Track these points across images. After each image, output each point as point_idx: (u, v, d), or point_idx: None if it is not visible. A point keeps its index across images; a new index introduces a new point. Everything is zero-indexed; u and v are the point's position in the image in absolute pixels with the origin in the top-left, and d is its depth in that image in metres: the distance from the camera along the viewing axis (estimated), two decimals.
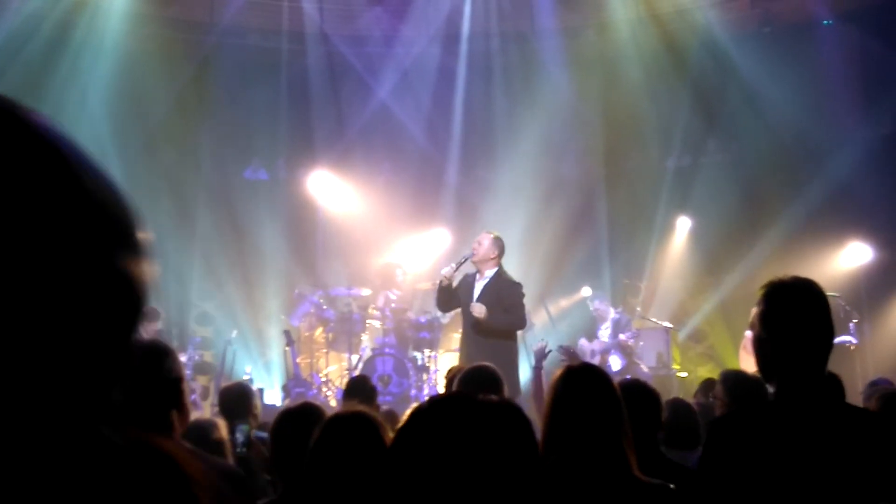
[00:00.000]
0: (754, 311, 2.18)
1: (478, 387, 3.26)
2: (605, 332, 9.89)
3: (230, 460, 3.22)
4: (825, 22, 10.73)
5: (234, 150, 11.05)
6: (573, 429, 2.26)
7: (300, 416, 2.84)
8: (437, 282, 6.77)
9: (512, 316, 6.41)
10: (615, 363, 9.74)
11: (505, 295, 6.46)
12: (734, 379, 4.04)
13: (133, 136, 10.39)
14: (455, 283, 6.71)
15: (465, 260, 6.68)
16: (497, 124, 11.31)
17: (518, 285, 6.59)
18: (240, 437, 3.65)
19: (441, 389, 6.61)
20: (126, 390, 2.09)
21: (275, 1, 10.61)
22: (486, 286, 6.53)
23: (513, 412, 1.27)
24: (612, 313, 9.84)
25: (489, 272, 6.56)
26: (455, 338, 10.30)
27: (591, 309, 10.07)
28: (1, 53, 9.51)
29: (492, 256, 6.58)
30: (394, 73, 11.04)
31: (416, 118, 11.10)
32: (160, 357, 2.15)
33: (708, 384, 5.65)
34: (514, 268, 10.74)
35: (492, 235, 6.68)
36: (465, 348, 6.56)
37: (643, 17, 10.80)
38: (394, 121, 11.04)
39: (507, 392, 3.27)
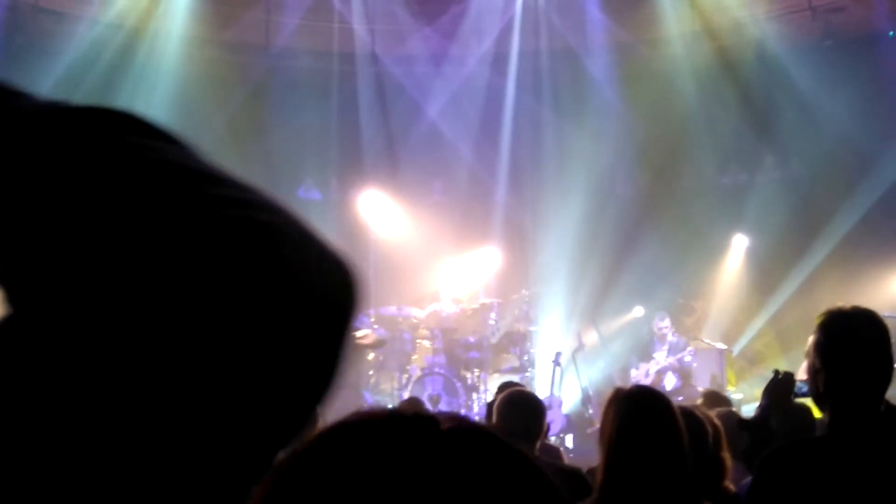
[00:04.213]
0: (810, 339, 2.13)
1: (520, 412, 3.21)
2: (661, 354, 9.75)
3: None
4: (890, 34, 10.38)
5: (287, 170, 11.24)
6: (636, 458, 2.21)
7: None
8: None
9: None
10: (669, 382, 9.59)
11: None
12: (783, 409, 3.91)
13: None
14: None
15: None
16: (546, 142, 11.26)
17: None
18: None
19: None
20: None
21: (326, 23, 10.76)
22: None
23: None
24: (670, 335, 9.70)
25: None
26: (505, 358, 10.27)
27: (654, 328, 9.91)
28: (67, 79, 9.87)
29: None
30: (443, 93, 11.09)
31: (466, 137, 11.12)
32: None
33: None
34: (564, 286, 10.77)
35: None
36: None
37: (698, 32, 10.61)
38: (443, 140, 11.07)
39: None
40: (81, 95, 9.94)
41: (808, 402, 3.28)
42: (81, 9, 10.06)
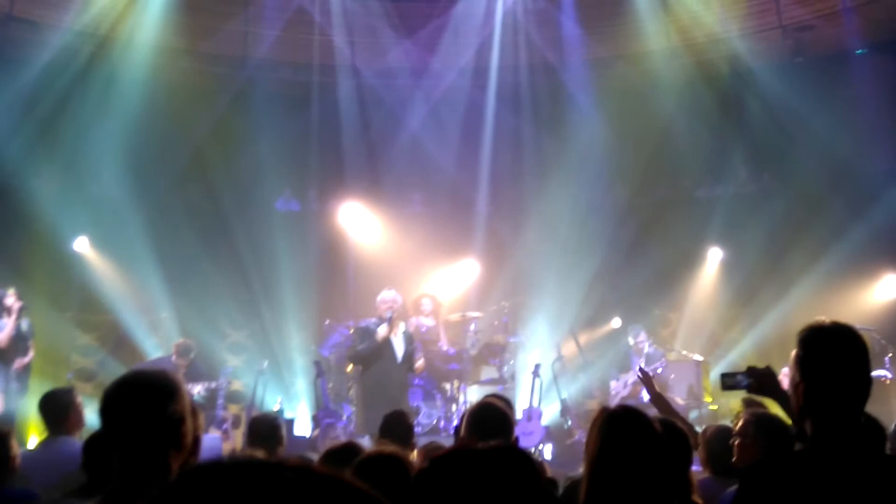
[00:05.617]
0: (793, 353, 2.18)
1: (485, 427, 3.21)
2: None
3: None
4: (858, 51, 10.63)
5: (266, 181, 11.18)
6: (618, 478, 2.25)
7: (343, 456, 2.86)
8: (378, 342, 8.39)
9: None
10: (646, 394, 9.63)
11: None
12: (766, 421, 3.95)
13: (167, 168, 10.54)
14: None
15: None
16: (526, 155, 11.34)
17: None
18: None
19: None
20: (127, 430, 2.01)
21: (306, 35, 10.76)
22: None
23: (517, 457, 1.31)
24: (646, 347, 9.77)
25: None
26: (485, 370, 10.26)
27: (630, 343, 9.98)
28: (34, 86, 9.71)
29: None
30: (423, 106, 11.12)
31: (446, 150, 11.15)
32: (165, 397, 2.01)
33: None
34: (545, 297, 10.82)
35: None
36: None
37: (675, 48, 10.79)
38: (424, 152, 11.09)
39: None
40: (49, 103, 9.79)
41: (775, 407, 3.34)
42: (55, 18, 9.92)
